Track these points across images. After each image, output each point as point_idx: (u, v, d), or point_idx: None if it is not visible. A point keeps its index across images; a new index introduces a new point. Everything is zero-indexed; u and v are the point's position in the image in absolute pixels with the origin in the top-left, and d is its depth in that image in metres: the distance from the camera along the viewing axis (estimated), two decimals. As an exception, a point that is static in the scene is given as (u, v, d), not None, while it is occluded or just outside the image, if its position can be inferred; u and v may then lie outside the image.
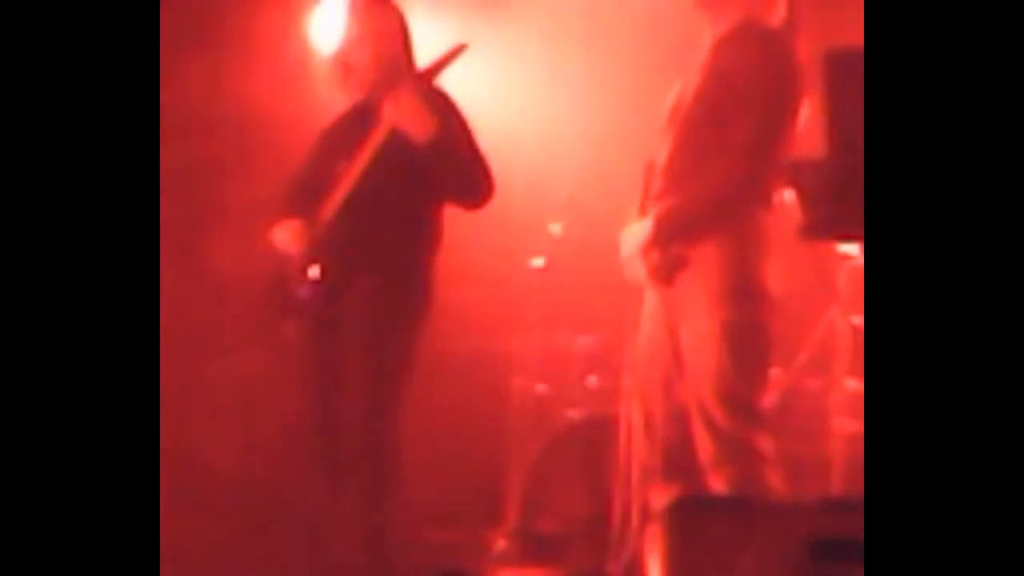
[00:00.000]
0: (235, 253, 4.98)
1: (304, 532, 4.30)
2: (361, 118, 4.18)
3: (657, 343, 3.83)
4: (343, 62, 4.28)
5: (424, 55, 4.22)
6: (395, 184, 4.12)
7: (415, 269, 4.19)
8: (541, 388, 5.42)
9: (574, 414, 5.21)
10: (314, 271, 4.17)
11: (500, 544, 5.11)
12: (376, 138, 4.08)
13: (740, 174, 3.68)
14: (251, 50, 5.37)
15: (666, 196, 3.78)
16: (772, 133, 3.69)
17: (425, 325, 4.19)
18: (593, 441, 4.90)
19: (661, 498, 3.70)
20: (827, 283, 4.75)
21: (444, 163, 4.07)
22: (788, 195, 3.70)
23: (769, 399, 3.90)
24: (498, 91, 5.54)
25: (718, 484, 3.66)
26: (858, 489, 2.58)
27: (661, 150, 3.84)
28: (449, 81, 4.15)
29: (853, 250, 4.60)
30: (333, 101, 4.36)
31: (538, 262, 5.42)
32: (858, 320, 4.61)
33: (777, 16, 3.79)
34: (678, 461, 3.77)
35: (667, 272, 3.75)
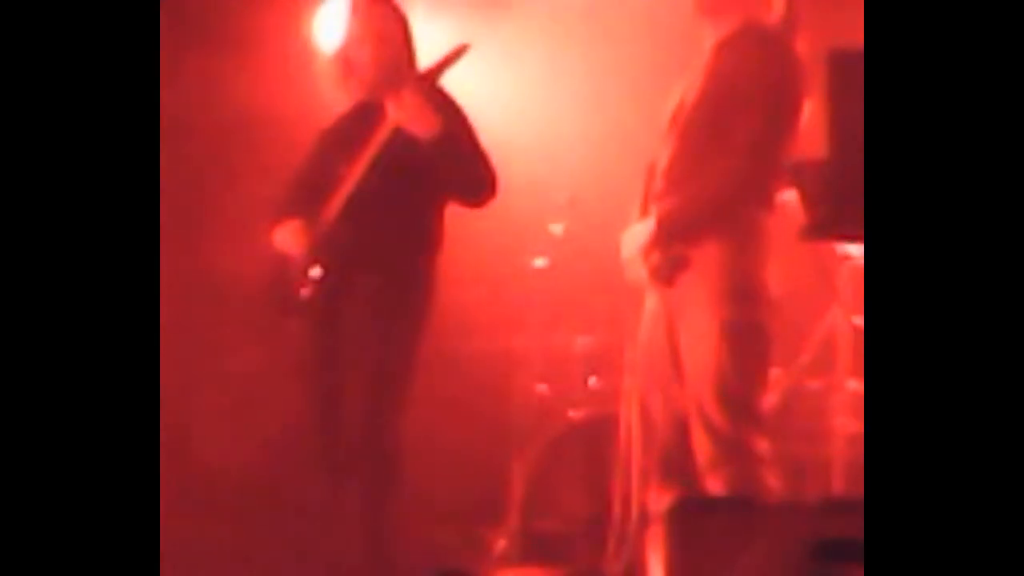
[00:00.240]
0: (235, 253, 4.97)
1: (305, 532, 4.29)
2: (362, 118, 4.19)
3: (657, 344, 3.83)
4: (344, 62, 4.28)
5: (425, 55, 4.23)
6: (396, 184, 4.12)
7: (416, 269, 4.19)
8: (542, 388, 5.41)
9: (575, 414, 5.20)
10: (315, 271, 4.18)
11: (500, 544, 5.11)
12: (378, 138, 4.08)
13: (741, 175, 3.68)
14: (252, 50, 5.36)
15: (667, 197, 3.78)
16: (773, 134, 3.69)
17: (426, 325, 4.19)
18: (594, 441, 4.90)
19: (661, 499, 3.71)
20: (828, 283, 4.75)
21: (448, 161, 4.07)
22: (789, 195, 3.70)
23: (770, 400, 3.90)
24: (498, 91, 5.54)
25: (715, 485, 3.66)
26: (859, 490, 2.58)
27: (662, 152, 3.84)
28: (450, 81, 4.15)
29: (854, 250, 4.59)
30: (334, 101, 4.36)
31: (539, 262, 5.42)
32: (859, 320, 4.60)
33: (777, 17, 3.79)
34: (677, 462, 3.77)
35: (668, 273, 3.75)
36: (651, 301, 3.88)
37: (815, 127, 3.46)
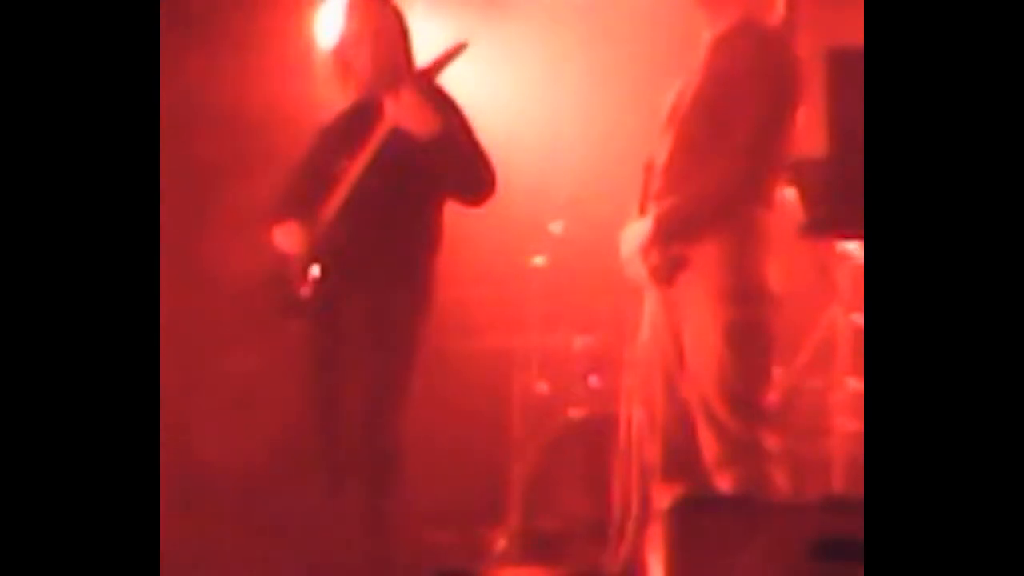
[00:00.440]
0: (235, 253, 4.97)
1: (304, 532, 4.29)
2: (361, 116, 4.18)
3: (659, 342, 3.83)
4: (342, 60, 4.28)
5: (424, 54, 4.22)
6: (396, 183, 4.12)
7: (416, 268, 4.19)
8: (542, 387, 5.41)
9: (575, 413, 5.21)
10: (315, 270, 4.17)
11: (500, 544, 5.11)
12: (377, 136, 4.07)
13: (740, 173, 3.67)
14: (251, 49, 5.36)
15: (666, 195, 3.77)
16: (771, 132, 3.68)
17: (426, 324, 4.19)
18: (594, 441, 4.90)
19: (664, 497, 3.70)
20: (828, 282, 4.75)
21: (447, 159, 4.07)
22: (789, 194, 3.70)
23: (772, 398, 3.90)
24: (498, 91, 5.54)
25: (724, 483, 3.65)
26: (859, 488, 2.58)
27: (661, 150, 3.84)
28: (449, 80, 4.15)
29: (854, 249, 4.60)
30: (333, 100, 4.36)
31: (539, 261, 5.42)
32: (859, 319, 4.60)
33: (776, 15, 3.79)
34: (682, 460, 3.76)
35: (667, 271, 3.75)
36: (651, 300, 3.88)
37: (814, 126, 3.45)
